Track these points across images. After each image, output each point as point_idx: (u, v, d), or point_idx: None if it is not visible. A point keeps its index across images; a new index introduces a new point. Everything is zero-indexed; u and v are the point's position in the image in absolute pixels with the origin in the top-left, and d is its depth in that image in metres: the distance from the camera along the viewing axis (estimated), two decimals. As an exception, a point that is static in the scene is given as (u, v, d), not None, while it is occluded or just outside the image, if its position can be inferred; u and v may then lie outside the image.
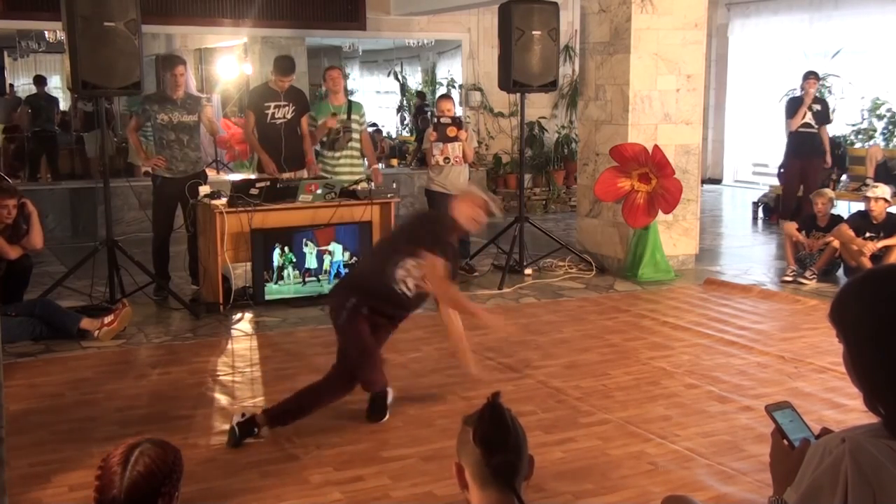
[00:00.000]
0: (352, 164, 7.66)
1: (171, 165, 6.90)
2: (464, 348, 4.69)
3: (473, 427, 2.05)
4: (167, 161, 6.89)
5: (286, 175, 7.25)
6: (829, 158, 9.97)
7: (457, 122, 7.63)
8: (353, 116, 7.64)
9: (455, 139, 7.55)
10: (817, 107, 9.76)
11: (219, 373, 5.29)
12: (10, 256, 6.13)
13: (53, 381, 5.10)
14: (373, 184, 7.16)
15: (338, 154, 7.62)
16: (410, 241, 4.36)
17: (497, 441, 2.02)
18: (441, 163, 7.57)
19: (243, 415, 4.25)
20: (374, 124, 14.09)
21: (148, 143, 7.43)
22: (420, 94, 14.94)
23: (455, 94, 12.58)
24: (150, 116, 6.92)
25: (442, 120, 7.60)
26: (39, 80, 13.39)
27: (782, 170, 10.42)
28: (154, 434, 2.57)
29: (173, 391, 4.94)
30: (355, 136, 7.66)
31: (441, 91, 13.41)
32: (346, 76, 7.88)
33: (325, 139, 7.62)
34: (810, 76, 9.80)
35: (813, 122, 9.68)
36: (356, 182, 7.16)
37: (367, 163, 8.05)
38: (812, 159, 9.80)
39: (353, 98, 8.36)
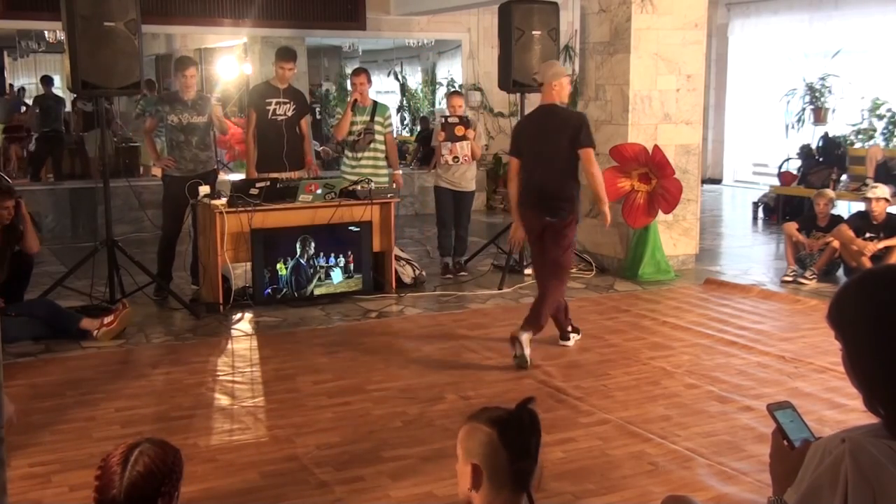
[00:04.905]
0: (374, 167, 7.53)
1: (179, 165, 6.92)
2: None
3: (502, 429, 2.03)
4: (176, 161, 6.90)
5: (286, 174, 7.23)
6: None
7: (464, 122, 7.69)
8: (377, 118, 7.53)
9: (463, 138, 7.63)
10: None
11: (219, 373, 5.29)
12: (34, 249, 6.25)
13: (53, 381, 5.10)
14: (372, 184, 7.13)
15: (359, 155, 7.56)
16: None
17: (528, 446, 2.02)
18: (450, 162, 7.64)
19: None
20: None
21: (161, 143, 7.44)
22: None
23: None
24: (162, 117, 6.95)
25: (450, 120, 7.67)
26: (46, 81, 13.39)
27: None
28: (154, 434, 2.57)
29: (173, 391, 4.94)
30: (378, 137, 7.55)
31: (442, 91, 13.42)
32: (370, 80, 7.67)
33: (347, 140, 7.59)
34: None
35: None
36: (356, 182, 7.14)
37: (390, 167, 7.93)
38: None
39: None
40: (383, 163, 7.64)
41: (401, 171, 7.78)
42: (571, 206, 5.45)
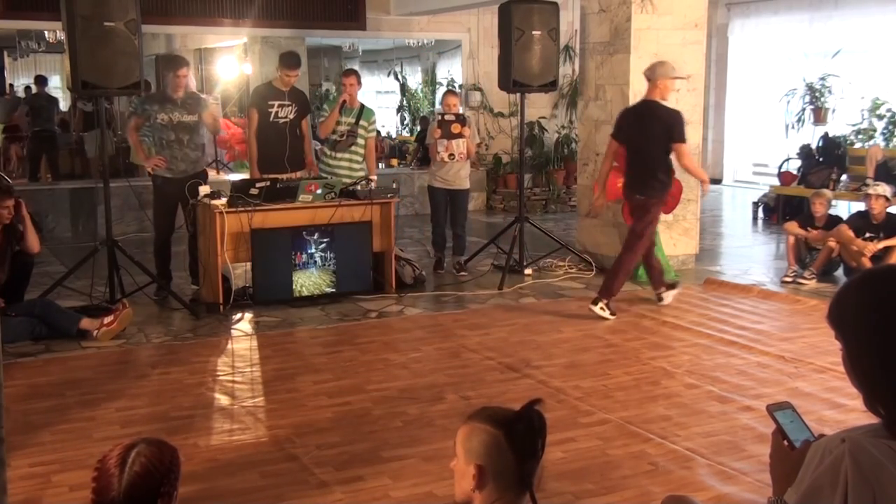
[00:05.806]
0: (350, 168, 7.58)
1: (170, 165, 6.89)
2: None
3: (508, 430, 2.02)
4: (167, 161, 6.88)
5: (286, 175, 7.23)
6: None
7: (460, 119, 7.70)
8: (362, 122, 7.57)
9: (459, 136, 7.64)
10: None
11: (219, 373, 5.29)
12: (34, 250, 6.22)
13: (53, 381, 5.10)
14: (372, 184, 7.14)
15: (338, 155, 7.60)
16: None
17: (535, 447, 2.02)
18: (446, 159, 7.66)
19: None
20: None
21: (148, 143, 7.40)
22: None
23: (455, 94, 12.56)
24: (150, 116, 6.92)
25: (446, 117, 7.68)
26: (40, 80, 13.38)
27: None
28: (154, 434, 2.57)
29: (173, 391, 4.93)
30: (360, 140, 7.60)
31: (442, 91, 13.38)
32: (360, 81, 7.65)
33: (329, 138, 7.59)
34: None
35: None
36: (355, 182, 7.15)
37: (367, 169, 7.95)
38: None
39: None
40: (359, 165, 7.67)
41: (376, 177, 7.81)
42: (659, 189, 6.38)
